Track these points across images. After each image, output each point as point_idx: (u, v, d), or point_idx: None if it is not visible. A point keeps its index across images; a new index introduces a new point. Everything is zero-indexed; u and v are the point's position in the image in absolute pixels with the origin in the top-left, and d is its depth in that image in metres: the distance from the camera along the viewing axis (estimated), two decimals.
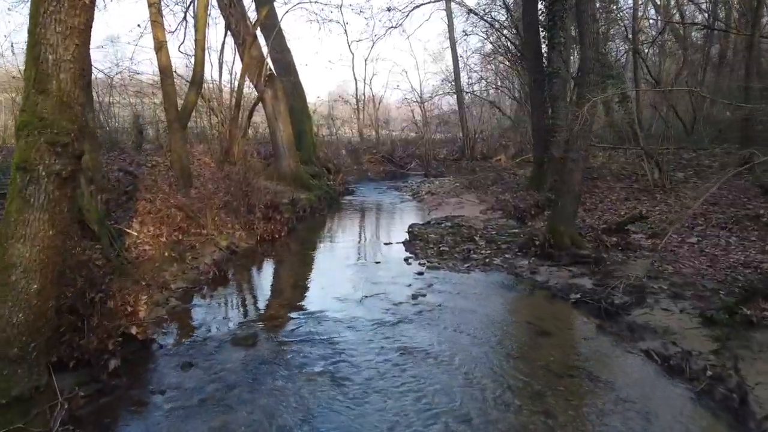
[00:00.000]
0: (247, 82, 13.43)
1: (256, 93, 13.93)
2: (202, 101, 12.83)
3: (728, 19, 14.42)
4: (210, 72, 12.14)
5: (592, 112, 6.33)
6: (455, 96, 24.57)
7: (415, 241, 8.29)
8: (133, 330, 4.14)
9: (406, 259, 7.32)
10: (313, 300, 5.70)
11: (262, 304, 5.80)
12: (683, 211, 7.43)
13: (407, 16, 21.42)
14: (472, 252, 7.39)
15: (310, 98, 23.15)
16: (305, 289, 6.25)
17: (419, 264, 7.03)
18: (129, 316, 4.27)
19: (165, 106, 9.40)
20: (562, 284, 5.82)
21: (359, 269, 6.98)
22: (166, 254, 6.50)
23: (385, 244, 8.49)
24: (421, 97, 22.92)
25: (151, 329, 4.47)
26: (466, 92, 22.20)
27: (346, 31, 30.22)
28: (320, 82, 46.28)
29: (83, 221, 5.49)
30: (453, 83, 24.17)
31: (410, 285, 6.09)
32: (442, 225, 9.41)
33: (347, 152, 20.53)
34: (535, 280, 6.14)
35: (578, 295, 5.40)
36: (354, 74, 23.93)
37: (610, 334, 4.60)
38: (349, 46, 23.13)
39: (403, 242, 8.46)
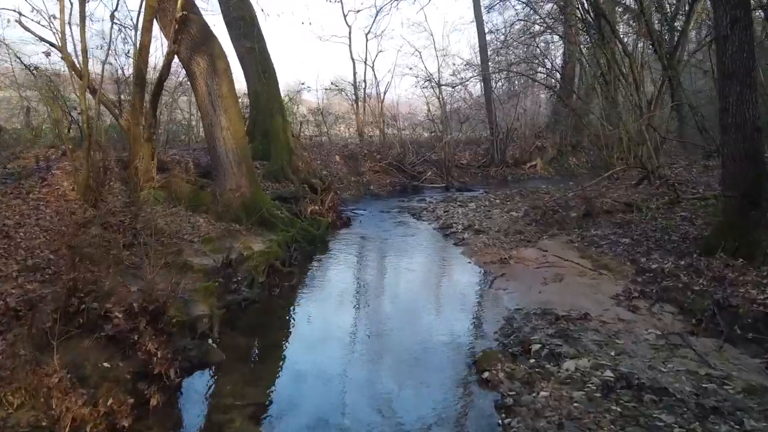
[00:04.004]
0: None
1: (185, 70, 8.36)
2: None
3: None
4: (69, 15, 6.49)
5: None
6: (476, 84, 19.06)
7: None
8: None
9: None
10: None
11: None
12: None
13: None
14: None
15: (292, 85, 17.47)
16: None
17: None
18: None
19: None
20: None
21: None
22: None
23: None
24: (439, 86, 17.17)
25: None
26: (514, 73, 16.52)
27: None
28: (308, 64, 39.48)
29: None
30: (477, 67, 18.57)
31: None
32: (566, 370, 3.68)
33: (342, 159, 14.91)
34: None
35: None
36: (351, 54, 18.12)
37: None
38: (345, 16, 17.49)
39: None
